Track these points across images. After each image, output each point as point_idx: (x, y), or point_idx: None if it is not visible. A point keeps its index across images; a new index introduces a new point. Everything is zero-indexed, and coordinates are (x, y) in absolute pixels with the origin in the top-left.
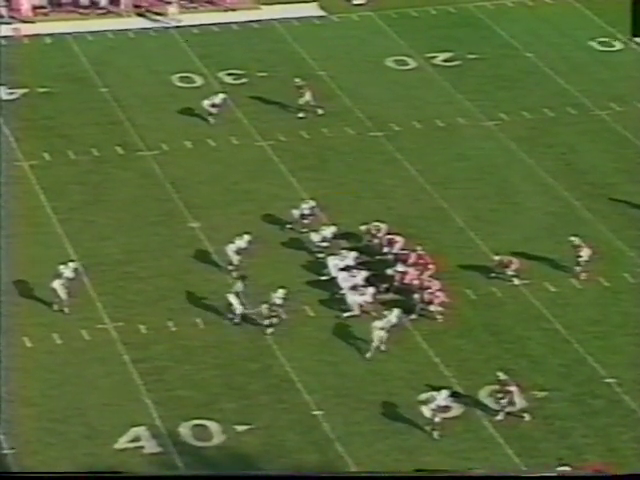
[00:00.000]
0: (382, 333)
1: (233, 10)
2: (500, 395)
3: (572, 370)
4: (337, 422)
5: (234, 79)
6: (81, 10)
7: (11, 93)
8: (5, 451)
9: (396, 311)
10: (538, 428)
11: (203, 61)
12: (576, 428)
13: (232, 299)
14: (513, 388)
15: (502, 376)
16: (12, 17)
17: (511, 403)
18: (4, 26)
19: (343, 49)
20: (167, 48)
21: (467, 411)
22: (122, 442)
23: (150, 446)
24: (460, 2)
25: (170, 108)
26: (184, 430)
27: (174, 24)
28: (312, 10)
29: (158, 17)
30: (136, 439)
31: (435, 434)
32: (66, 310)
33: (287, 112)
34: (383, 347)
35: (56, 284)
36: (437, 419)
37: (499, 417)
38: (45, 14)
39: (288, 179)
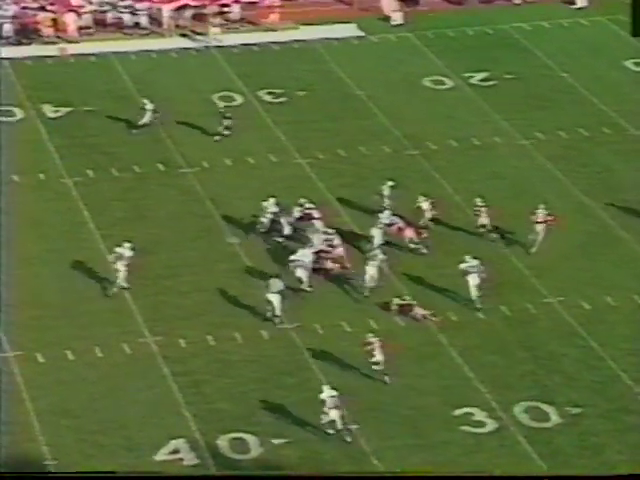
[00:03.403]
0: None
1: (273, 30)
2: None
3: (606, 386)
4: (372, 436)
5: (273, 98)
6: (125, 30)
7: (56, 111)
8: (48, 462)
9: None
10: (572, 444)
11: (243, 80)
12: (610, 444)
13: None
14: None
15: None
16: (58, 37)
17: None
18: (50, 46)
19: (381, 69)
20: (208, 67)
21: (501, 426)
22: (161, 454)
23: (189, 458)
24: (497, 23)
25: (210, 126)
26: (222, 443)
27: (215, 44)
28: (351, 30)
29: (199, 37)
30: (175, 451)
31: (469, 449)
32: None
33: (324, 130)
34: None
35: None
36: (471, 434)
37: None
38: (90, 34)
39: (326, 196)
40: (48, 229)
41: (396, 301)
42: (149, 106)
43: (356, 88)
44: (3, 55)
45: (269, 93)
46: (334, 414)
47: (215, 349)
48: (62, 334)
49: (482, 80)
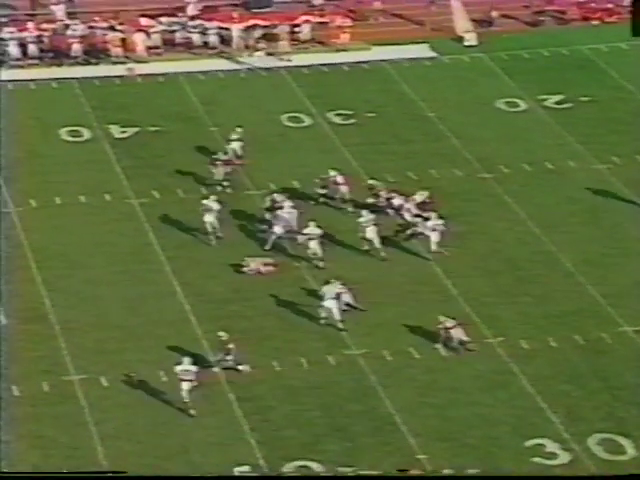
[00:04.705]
0: None
1: (344, 50)
2: None
3: None
4: (441, 466)
5: (343, 119)
6: (194, 50)
7: (123, 132)
8: None
9: None
10: None
11: (312, 101)
12: None
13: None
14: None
15: None
16: (127, 57)
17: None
18: (119, 66)
19: (453, 90)
20: (277, 88)
21: (575, 459)
22: None
23: None
24: (573, 44)
25: (279, 147)
26: (288, 470)
27: (284, 64)
28: (423, 51)
29: (269, 57)
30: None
31: None
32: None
33: (394, 153)
34: None
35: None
36: (543, 466)
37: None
38: (159, 54)
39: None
40: (113, 251)
41: (445, 321)
42: (236, 135)
43: (427, 110)
44: (71, 75)
45: (338, 114)
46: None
47: (280, 375)
48: (126, 358)
49: (557, 103)
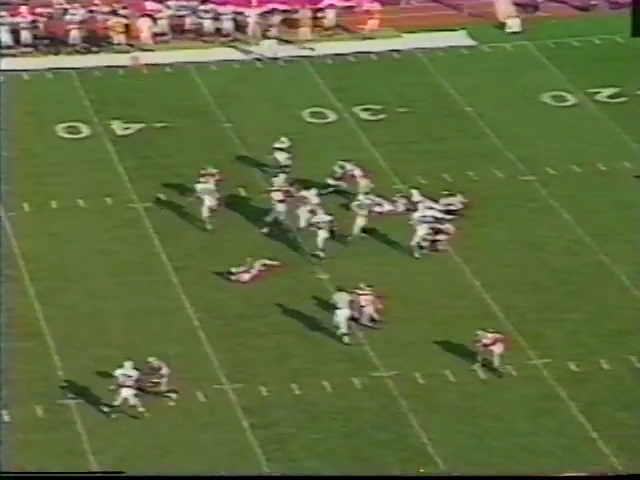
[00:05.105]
0: None
1: (371, 38)
2: None
3: None
4: None
5: (371, 115)
6: (205, 38)
7: (126, 128)
8: None
9: None
10: None
11: (337, 95)
12: None
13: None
14: None
15: None
16: (130, 45)
17: None
18: (122, 55)
19: (494, 83)
20: (298, 80)
21: None
22: None
23: None
24: (629, 31)
25: (299, 146)
26: None
27: (306, 53)
28: (460, 39)
29: (289, 46)
30: None
31: None
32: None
33: (428, 152)
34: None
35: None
36: None
37: None
38: (166, 42)
39: None
40: (114, 260)
41: (482, 337)
42: (282, 144)
43: (465, 104)
44: (69, 65)
45: (366, 109)
46: None
47: (300, 399)
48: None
49: (610, 96)
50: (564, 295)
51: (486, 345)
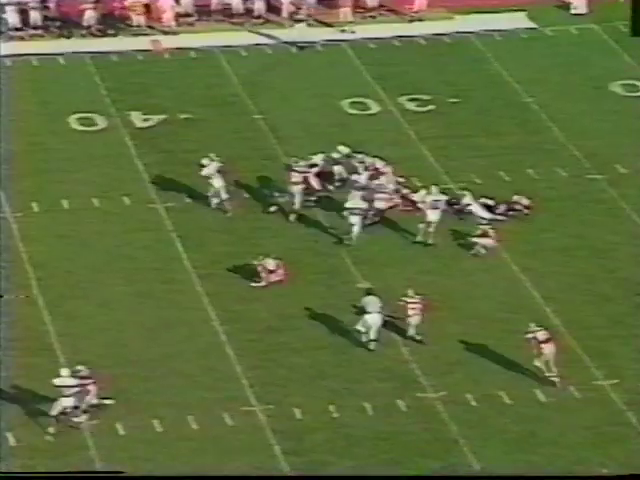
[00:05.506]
0: None
1: (420, 20)
2: None
3: None
4: None
5: (418, 106)
6: (234, 19)
7: (146, 119)
8: None
9: None
10: None
11: (381, 83)
12: None
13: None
14: None
15: None
16: (151, 27)
17: None
18: (141, 38)
19: (557, 70)
20: (337, 66)
21: None
22: None
23: None
24: None
25: (339, 140)
26: None
27: (346, 37)
28: (519, 21)
29: (327, 28)
30: None
31: None
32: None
33: (483, 148)
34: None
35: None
36: None
37: None
38: (190, 24)
39: None
40: (132, 266)
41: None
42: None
43: (524, 94)
44: (83, 49)
45: (413, 100)
46: None
47: (339, 422)
48: (148, 400)
49: None
50: (634, 308)
51: (540, 342)
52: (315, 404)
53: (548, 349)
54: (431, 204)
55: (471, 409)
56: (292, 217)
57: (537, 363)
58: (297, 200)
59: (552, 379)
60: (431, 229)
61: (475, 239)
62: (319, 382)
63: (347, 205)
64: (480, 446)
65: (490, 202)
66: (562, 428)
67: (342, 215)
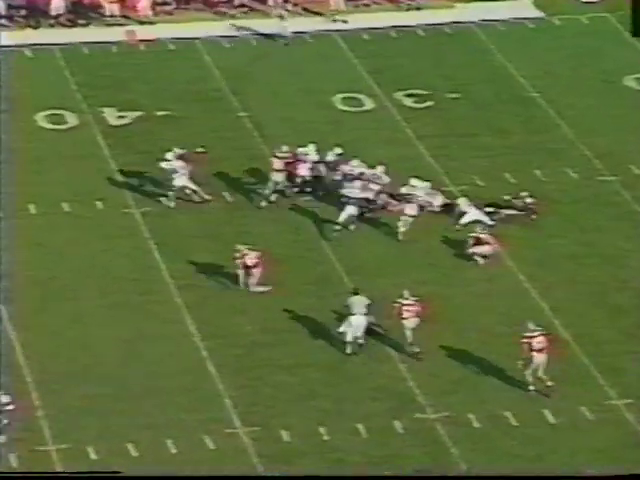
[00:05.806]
0: None
1: (417, 9)
2: None
3: None
4: None
5: (416, 102)
6: (216, 8)
7: (121, 117)
8: None
9: None
10: None
11: (375, 77)
12: None
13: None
14: None
15: None
16: (125, 16)
17: None
18: (115, 28)
19: (566, 63)
20: (328, 59)
21: None
22: None
23: None
24: None
25: (330, 139)
26: None
27: (338, 27)
28: (524, 9)
29: (317, 18)
30: None
31: None
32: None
33: (485, 148)
34: None
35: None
36: None
37: None
38: (168, 13)
39: None
40: (106, 277)
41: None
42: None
43: (530, 89)
44: (51, 40)
45: (410, 95)
46: None
47: (330, 445)
48: (122, 422)
49: None
50: None
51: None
52: (304, 426)
53: (539, 358)
54: (409, 198)
55: (474, 431)
56: (263, 203)
57: (525, 372)
58: (274, 188)
59: (536, 390)
60: (407, 226)
61: (470, 249)
62: (309, 402)
63: (343, 192)
64: (484, 471)
65: (490, 209)
66: (573, 451)
67: (335, 205)
